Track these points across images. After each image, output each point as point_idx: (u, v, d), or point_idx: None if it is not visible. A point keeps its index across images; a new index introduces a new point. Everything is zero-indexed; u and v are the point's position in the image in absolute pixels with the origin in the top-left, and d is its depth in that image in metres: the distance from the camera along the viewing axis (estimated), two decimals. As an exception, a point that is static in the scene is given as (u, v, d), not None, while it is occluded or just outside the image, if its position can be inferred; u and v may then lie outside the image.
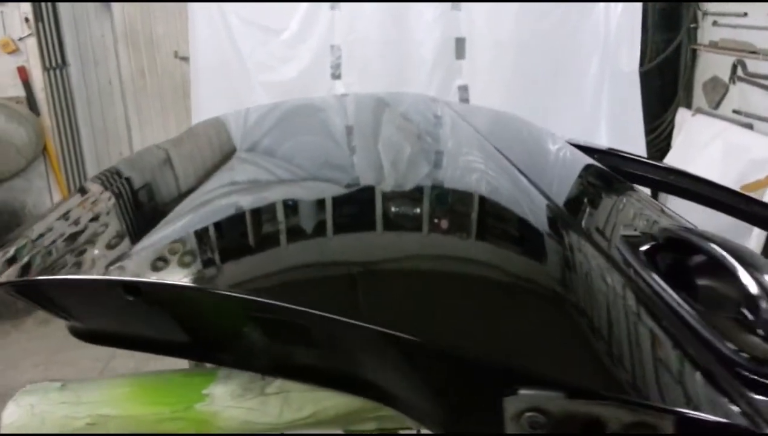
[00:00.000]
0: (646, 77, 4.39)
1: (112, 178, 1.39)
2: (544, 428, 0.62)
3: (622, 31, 4.28)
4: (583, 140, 1.98)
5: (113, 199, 1.26)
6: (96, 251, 1.00)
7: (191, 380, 1.01)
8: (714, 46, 4.17)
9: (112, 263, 0.93)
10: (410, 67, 4.52)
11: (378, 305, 0.80)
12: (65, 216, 1.20)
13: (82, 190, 1.34)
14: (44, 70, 4.51)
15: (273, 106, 2.38)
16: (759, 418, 0.61)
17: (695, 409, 0.63)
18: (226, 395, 0.96)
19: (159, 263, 0.91)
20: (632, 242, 0.91)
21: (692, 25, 4.34)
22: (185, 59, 4.71)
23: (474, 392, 0.66)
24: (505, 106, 4.45)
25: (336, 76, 4.50)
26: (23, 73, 4.44)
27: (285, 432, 0.94)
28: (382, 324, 0.71)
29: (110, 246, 1.00)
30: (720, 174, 3.81)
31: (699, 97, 4.38)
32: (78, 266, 0.96)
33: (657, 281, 0.82)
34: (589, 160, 1.65)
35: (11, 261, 1.00)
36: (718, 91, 4.13)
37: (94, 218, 1.15)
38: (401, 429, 0.97)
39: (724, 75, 4.05)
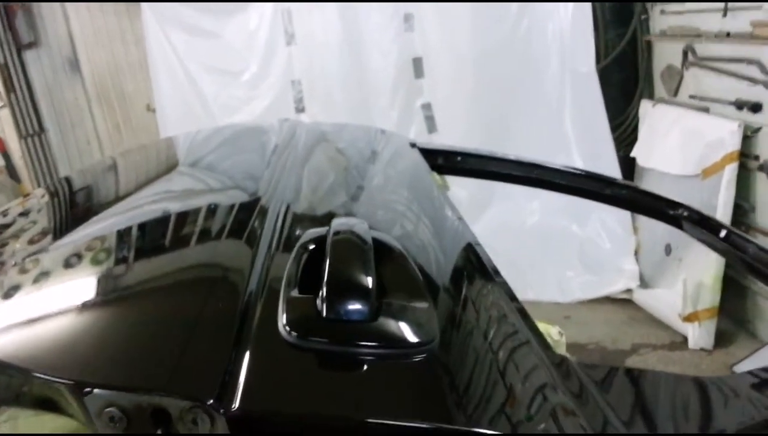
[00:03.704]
0: (605, 73, 4.41)
1: None
2: (121, 422, 0.68)
3: (575, 32, 4.32)
4: (439, 144, 2.00)
5: None
6: None
7: None
8: (664, 35, 4.19)
9: None
10: (371, 92, 4.58)
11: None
12: None
13: None
14: (20, 138, 4.68)
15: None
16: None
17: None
18: None
19: None
20: (310, 237, 0.94)
21: (643, 17, 4.36)
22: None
23: (69, 395, 0.71)
24: (470, 118, 4.57)
25: (300, 109, 4.58)
26: (0, 144, 4.60)
27: None
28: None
29: None
30: (681, 161, 3.79)
31: (660, 87, 4.38)
32: None
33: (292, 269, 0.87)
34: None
35: None
36: (674, 79, 4.14)
37: None
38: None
39: (678, 62, 4.06)
